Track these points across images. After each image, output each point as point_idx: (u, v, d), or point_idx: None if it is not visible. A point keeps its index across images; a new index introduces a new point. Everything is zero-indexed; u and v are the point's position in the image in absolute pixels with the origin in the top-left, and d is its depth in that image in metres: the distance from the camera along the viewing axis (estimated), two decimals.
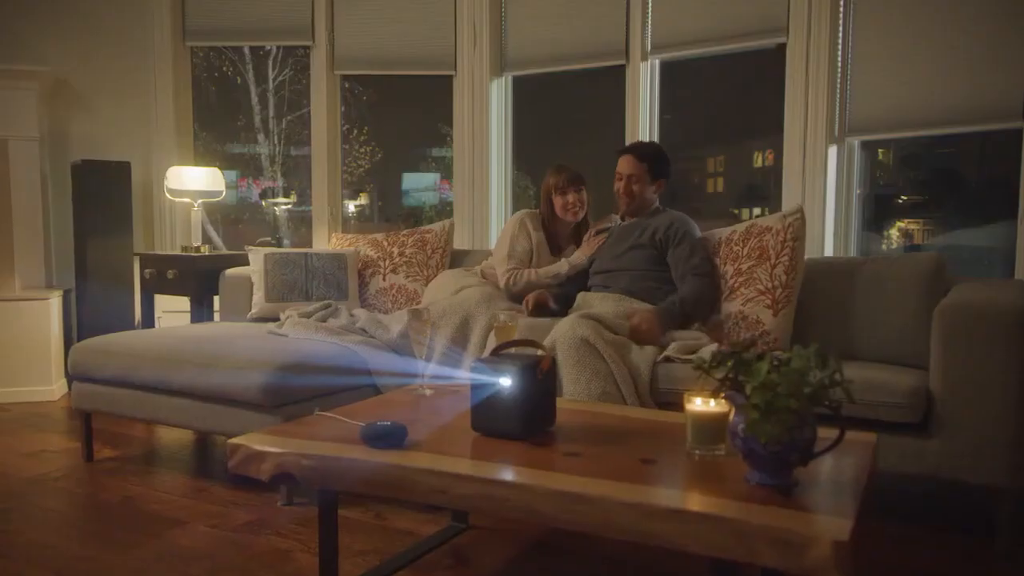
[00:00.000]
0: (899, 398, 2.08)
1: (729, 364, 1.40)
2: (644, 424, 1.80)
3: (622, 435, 1.70)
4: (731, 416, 1.41)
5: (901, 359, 2.40)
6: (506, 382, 1.62)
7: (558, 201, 3.02)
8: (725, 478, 1.40)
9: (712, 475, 1.43)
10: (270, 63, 6.23)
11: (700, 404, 1.53)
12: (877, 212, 3.51)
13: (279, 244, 5.00)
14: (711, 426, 1.53)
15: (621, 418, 1.86)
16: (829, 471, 1.45)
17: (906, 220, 3.72)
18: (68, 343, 3.96)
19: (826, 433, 1.36)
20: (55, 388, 3.90)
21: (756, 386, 1.31)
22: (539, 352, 1.75)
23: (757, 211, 4.17)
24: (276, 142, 6.21)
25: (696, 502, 1.29)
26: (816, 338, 2.42)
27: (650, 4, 3.66)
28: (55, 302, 3.95)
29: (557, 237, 3.13)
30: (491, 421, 1.66)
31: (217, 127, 5.35)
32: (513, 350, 1.84)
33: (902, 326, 2.43)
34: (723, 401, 1.51)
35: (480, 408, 1.66)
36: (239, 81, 6.18)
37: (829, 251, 3.31)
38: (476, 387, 1.65)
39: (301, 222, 5.03)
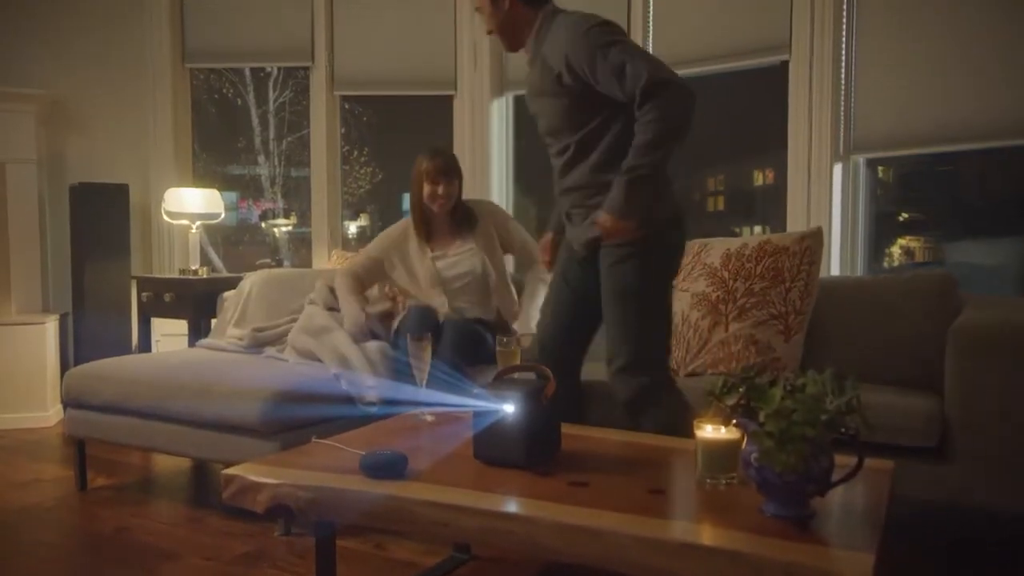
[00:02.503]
0: (913, 422, 2.02)
1: (741, 390, 1.35)
2: (652, 451, 1.74)
3: (629, 463, 1.65)
4: (743, 443, 1.36)
5: (913, 381, 2.34)
6: (508, 409, 1.57)
7: (425, 189, 2.87)
8: (738, 509, 1.35)
9: (724, 506, 1.38)
10: (270, 84, 6.24)
11: (711, 431, 1.47)
12: (878, 230, 3.47)
13: (279, 265, 4.97)
14: (722, 453, 1.47)
15: (628, 444, 1.81)
16: (846, 501, 1.40)
17: (907, 237, 3.68)
18: (64, 367, 3.90)
19: (840, 459, 1.31)
20: (50, 414, 3.84)
21: (770, 413, 1.26)
22: (543, 377, 1.70)
23: (758, 229, 4.13)
24: (276, 163, 6.20)
25: (709, 535, 1.24)
26: (825, 360, 2.36)
27: (651, 23, 3.64)
28: (51, 326, 3.90)
29: (431, 229, 2.96)
30: (494, 449, 1.60)
31: (218, 148, 5.34)
32: (515, 375, 1.79)
33: (913, 346, 2.37)
34: (734, 428, 1.46)
35: (482, 436, 1.61)
36: (240, 103, 6.18)
37: (835, 270, 3.27)
38: (478, 414, 1.60)
39: (301, 243, 5.01)
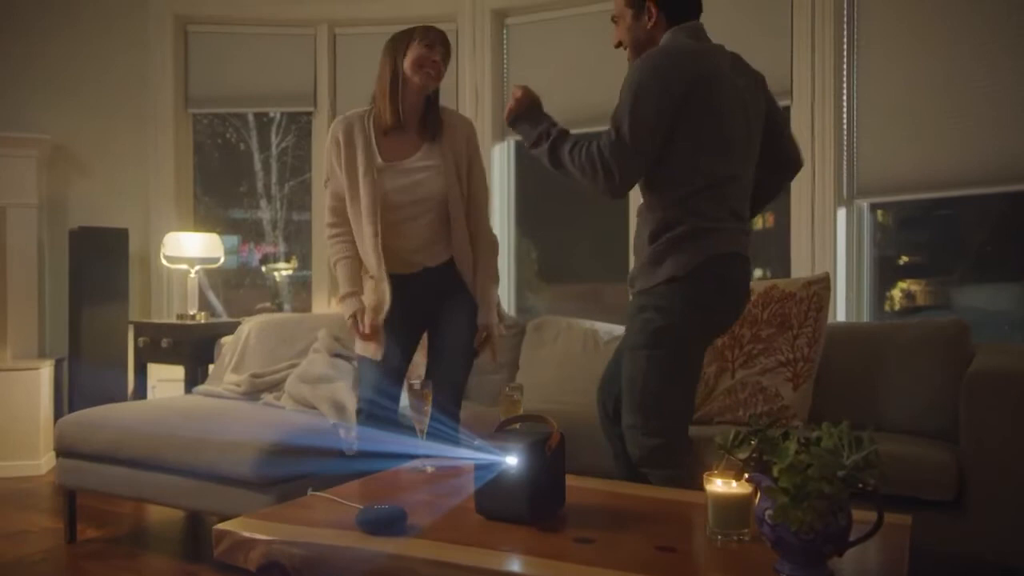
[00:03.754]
0: (930, 474, 1.96)
1: (753, 442, 1.30)
2: (660, 505, 1.68)
3: (637, 517, 1.59)
4: (756, 499, 1.31)
5: (926, 430, 2.28)
6: (511, 461, 1.52)
7: (414, 52, 2.22)
8: (751, 568, 1.29)
9: (737, 565, 1.32)
10: (273, 129, 6.27)
11: (721, 485, 1.42)
12: (879, 275, 3.44)
13: (279, 308, 4.93)
14: (734, 508, 1.42)
15: (635, 498, 1.74)
16: (864, 559, 1.34)
17: (908, 281, 3.65)
18: (59, 414, 3.84)
19: (855, 513, 1.25)
20: (42, 463, 3.76)
21: (784, 468, 1.21)
22: (548, 428, 1.64)
23: (759, 273, 4.10)
24: (278, 207, 6.20)
25: None
26: (835, 408, 2.31)
27: None
28: (46, 372, 3.85)
29: (406, 119, 2.27)
30: (496, 503, 1.54)
31: (221, 192, 5.34)
32: (518, 426, 1.74)
33: (926, 395, 2.32)
34: (746, 482, 1.40)
35: (485, 490, 1.55)
36: (243, 147, 6.21)
37: (841, 316, 3.22)
38: (480, 467, 1.54)
39: (302, 287, 4.98)
